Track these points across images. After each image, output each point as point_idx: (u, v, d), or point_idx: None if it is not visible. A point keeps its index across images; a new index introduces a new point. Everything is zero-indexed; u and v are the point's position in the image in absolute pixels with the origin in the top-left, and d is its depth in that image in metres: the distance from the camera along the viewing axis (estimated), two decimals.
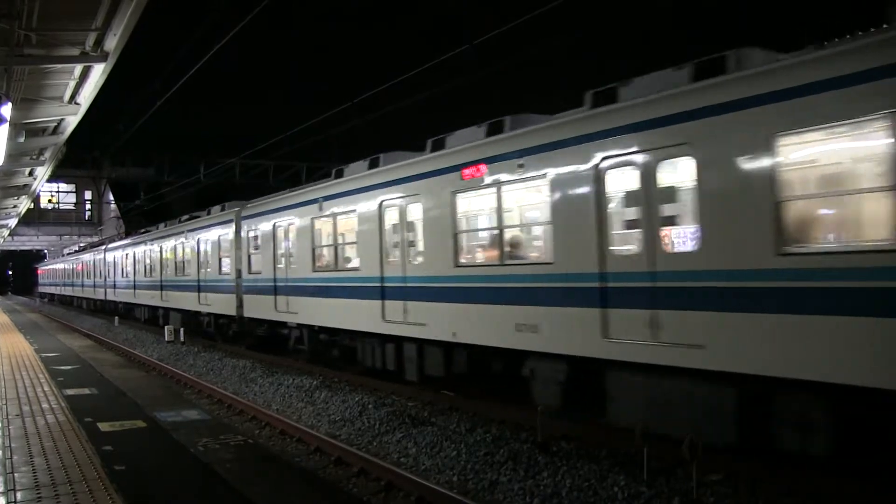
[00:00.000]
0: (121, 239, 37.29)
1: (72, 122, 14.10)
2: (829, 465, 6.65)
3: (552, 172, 8.71)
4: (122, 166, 45.47)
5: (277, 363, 17.11)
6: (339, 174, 14.25)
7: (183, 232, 23.89)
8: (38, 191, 27.43)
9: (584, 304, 8.20)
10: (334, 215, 13.87)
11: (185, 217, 25.23)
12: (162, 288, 26.09)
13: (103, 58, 9.98)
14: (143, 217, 41.78)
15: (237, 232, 18.94)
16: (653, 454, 7.35)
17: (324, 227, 14.59)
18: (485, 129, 10.28)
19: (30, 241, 57.24)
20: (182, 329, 23.27)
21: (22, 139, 14.13)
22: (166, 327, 23.54)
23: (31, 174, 20.38)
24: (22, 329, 27.97)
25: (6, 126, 10.04)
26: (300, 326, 15.85)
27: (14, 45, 8.97)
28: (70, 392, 12.18)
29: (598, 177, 8.11)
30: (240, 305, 18.69)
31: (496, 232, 9.90)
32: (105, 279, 37.55)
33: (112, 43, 9.59)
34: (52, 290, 65.09)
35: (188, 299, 22.94)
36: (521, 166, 9.17)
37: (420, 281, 11.20)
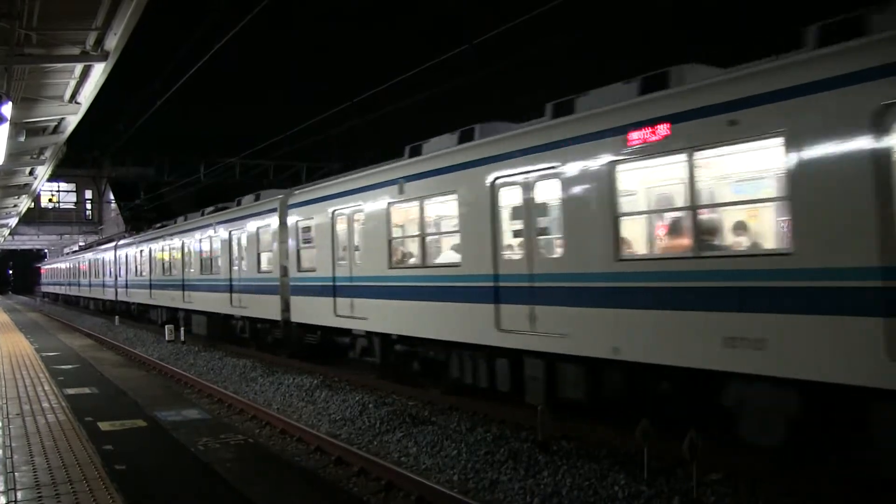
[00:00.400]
0: (132, 235, 34.65)
1: (72, 122, 14.12)
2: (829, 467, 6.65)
3: (795, 128, 6.44)
4: (122, 166, 45.43)
5: (277, 362, 17.11)
6: (417, 151, 12.00)
7: (210, 225, 21.28)
8: (38, 190, 27.43)
9: (853, 311, 6.02)
10: (421, 199, 11.42)
11: (210, 209, 22.98)
12: (184, 288, 23.73)
13: (103, 57, 10.00)
14: (154, 212, 41.31)
15: (282, 223, 16.31)
16: (653, 454, 7.35)
17: (405, 213, 12.06)
18: (637, 86, 8.31)
19: (30, 241, 57.41)
20: (183, 329, 23.20)
21: (22, 138, 14.15)
22: (166, 326, 23.46)
23: (31, 173, 20.38)
24: (22, 328, 27.96)
25: (6, 125, 10.05)
26: (369, 335, 13.21)
27: (14, 45, 8.99)
28: (70, 391, 12.16)
29: (881, 128, 5.86)
30: (285, 308, 16.16)
31: (687, 213, 7.57)
32: (116, 278, 34.73)
33: (112, 42, 9.61)
34: (56, 289, 62.67)
35: (217, 301, 20.44)
36: (733, 123, 6.99)
37: (556, 279, 8.95)
